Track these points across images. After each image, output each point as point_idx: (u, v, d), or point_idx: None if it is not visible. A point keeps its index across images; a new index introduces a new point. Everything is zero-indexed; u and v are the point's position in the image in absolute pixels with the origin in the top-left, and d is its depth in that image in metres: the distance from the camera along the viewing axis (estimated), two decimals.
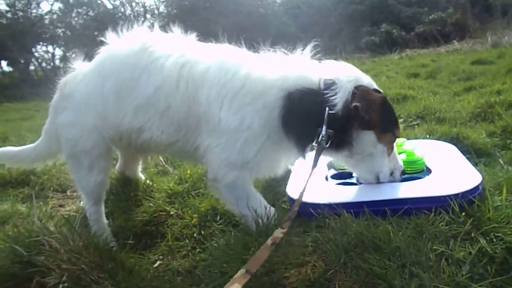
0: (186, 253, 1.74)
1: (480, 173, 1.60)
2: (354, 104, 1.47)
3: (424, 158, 1.86)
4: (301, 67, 1.60)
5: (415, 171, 1.82)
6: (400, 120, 3.47)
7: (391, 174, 1.68)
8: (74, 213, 2.20)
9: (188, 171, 2.36)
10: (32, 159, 2.17)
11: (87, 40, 23.35)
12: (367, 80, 1.60)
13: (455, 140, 2.53)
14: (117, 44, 1.82)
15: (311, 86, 1.53)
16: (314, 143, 1.52)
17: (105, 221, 1.99)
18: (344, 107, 1.49)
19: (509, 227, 1.33)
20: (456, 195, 1.43)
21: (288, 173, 2.13)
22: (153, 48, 1.74)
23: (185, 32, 1.82)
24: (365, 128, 1.53)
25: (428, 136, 2.68)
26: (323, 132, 1.47)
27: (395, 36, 20.38)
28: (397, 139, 2.11)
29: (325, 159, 2.01)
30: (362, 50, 19.82)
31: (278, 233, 1.32)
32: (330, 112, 1.47)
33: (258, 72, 1.59)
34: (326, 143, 1.48)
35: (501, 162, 2.22)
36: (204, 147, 1.67)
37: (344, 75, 1.55)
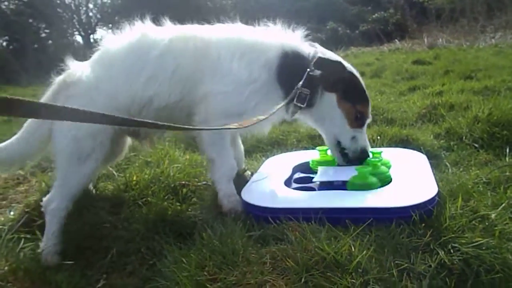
0: (132, 271, 1.59)
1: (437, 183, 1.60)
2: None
3: (391, 170, 1.83)
4: (295, 39, 1.91)
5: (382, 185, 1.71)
6: None
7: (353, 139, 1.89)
8: (0, 226, 1.96)
9: (135, 177, 2.19)
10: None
11: (19, 27, 21.75)
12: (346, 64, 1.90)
13: (405, 142, 2.58)
14: (114, 39, 1.91)
15: (302, 53, 1.84)
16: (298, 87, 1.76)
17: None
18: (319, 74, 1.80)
19: (464, 236, 1.33)
20: (413, 207, 1.42)
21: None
22: (153, 33, 1.88)
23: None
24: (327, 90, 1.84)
25: (379, 137, 2.71)
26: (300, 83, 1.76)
27: (340, 33, 20.97)
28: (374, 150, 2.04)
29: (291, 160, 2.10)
30: None
31: None
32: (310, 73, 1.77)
33: (258, 36, 1.86)
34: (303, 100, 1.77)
35: (447, 164, 2.28)
36: (204, 92, 1.78)
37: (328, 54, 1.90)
